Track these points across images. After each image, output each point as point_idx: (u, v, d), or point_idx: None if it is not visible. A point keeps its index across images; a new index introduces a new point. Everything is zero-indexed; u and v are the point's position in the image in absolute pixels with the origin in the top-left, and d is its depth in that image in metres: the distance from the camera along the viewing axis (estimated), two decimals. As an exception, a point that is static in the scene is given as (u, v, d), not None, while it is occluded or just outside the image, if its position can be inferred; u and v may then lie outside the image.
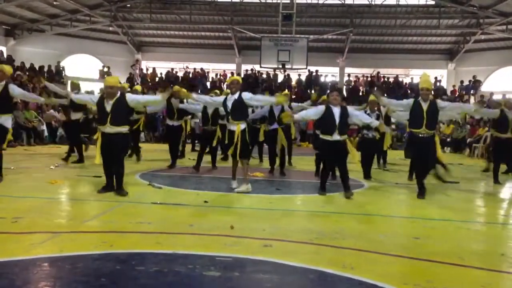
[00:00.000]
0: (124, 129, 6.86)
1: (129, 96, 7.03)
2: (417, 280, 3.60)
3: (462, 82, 24.19)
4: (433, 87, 7.67)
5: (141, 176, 8.64)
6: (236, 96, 7.34)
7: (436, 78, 24.92)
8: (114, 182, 6.96)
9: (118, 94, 6.90)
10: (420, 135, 7.35)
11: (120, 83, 7.61)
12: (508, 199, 8.23)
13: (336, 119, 7.12)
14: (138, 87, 12.56)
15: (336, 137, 7.16)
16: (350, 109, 7.50)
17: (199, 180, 8.75)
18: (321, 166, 8.20)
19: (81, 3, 21.43)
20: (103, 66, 25.29)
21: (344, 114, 7.17)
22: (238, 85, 7.46)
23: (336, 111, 7.15)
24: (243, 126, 7.34)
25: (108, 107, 6.74)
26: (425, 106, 7.29)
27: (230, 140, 7.41)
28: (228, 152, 7.81)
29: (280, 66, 21.85)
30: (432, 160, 7.66)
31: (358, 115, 7.50)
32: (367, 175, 9.53)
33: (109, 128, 6.73)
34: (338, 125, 7.12)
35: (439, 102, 7.53)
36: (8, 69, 7.76)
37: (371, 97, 9.45)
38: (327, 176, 7.71)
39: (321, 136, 7.46)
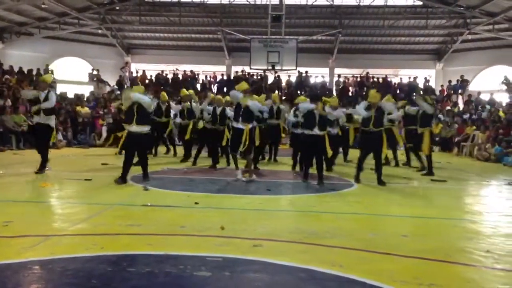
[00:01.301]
0: (146, 128, 8.21)
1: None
2: (405, 277, 3.67)
3: (450, 81, 24.39)
4: (378, 100, 9.07)
5: (132, 178, 8.64)
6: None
7: (425, 78, 25.13)
8: (127, 175, 8.21)
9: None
10: (370, 131, 8.82)
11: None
12: (494, 197, 8.35)
13: (316, 117, 8.58)
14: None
15: (316, 131, 8.56)
16: (329, 109, 9.07)
17: (190, 182, 8.79)
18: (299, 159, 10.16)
19: (69, 6, 21.34)
20: (92, 69, 25.17)
21: (323, 114, 8.68)
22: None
23: (317, 111, 8.61)
24: (249, 126, 8.88)
25: (135, 109, 8.04)
26: (374, 107, 8.84)
27: (239, 138, 8.79)
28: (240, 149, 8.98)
29: (270, 67, 21.91)
30: (380, 152, 8.99)
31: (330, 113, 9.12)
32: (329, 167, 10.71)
33: (135, 127, 8.02)
34: (318, 122, 8.55)
35: (383, 104, 9.00)
36: (48, 78, 9.81)
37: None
38: (308, 165, 8.95)
39: (305, 131, 8.83)
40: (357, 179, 9.04)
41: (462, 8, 21.66)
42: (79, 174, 9.12)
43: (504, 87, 21.50)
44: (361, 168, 9.15)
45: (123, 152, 8.60)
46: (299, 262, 3.96)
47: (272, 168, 11.20)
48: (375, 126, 8.78)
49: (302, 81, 24.82)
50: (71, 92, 22.05)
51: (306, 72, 24.85)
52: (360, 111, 8.99)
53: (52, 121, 9.26)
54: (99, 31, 24.71)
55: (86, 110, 19.05)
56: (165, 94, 13.44)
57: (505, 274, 3.94)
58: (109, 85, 25.14)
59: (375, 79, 25.43)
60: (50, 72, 23.07)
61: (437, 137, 18.88)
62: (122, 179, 8.08)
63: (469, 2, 20.97)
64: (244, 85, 9.11)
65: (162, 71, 26.36)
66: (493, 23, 21.57)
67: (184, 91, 12.80)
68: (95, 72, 24.92)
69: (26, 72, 21.80)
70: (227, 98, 11.10)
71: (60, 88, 22.74)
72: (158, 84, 23.73)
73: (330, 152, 8.88)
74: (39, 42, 23.62)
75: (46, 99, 9.07)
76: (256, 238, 4.65)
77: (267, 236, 4.75)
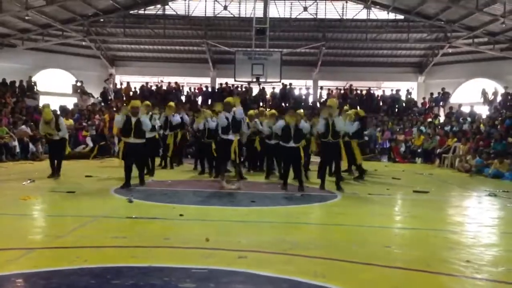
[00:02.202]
0: (142, 140, 9.08)
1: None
2: (386, 287, 3.73)
3: (432, 94, 24.77)
4: (335, 105, 9.77)
5: (115, 191, 8.62)
6: (231, 114, 9.58)
7: (407, 90, 25.49)
8: (130, 180, 9.01)
9: (139, 114, 9.04)
10: (329, 141, 9.37)
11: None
12: (475, 208, 8.49)
13: (292, 130, 9.32)
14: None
15: (292, 144, 9.32)
16: (302, 123, 9.61)
17: (174, 194, 8.79)
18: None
19: (53, 17, 21.25)
20: (76, 81, 25.01)
21: (298, 127, 9.38)
22: (230, 106, 9.65)
23: (293, 124, 9.33)
24: (238, 137, 9.66)
25: (133, 123, 8.86)
26: (330, 121, 9.32)
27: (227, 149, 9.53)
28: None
29: (255, 80, 22.03)
30: (338, 161, 9.76)
31: (304, 127, 9.63)
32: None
33: (132, 139, 8.87)
34: (293, 135, 9.29)
35: (336, 120, 9.42)
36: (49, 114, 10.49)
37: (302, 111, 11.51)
38: (286, 175, 9.65)
39: (281, 143, 9.58)
40: (322, 187, 9.58)
41: (442, 22, 22.11)
42: (62, 186, 9.05)
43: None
44: (325, 177, 9.74)
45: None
46: (283, 273, 3.99)
47: (256, 180, 11.23)
48: (333, 137, 9.38)
49: (286, 93, 24.98)
50: (54, 104, 21.79)
51: (290, 84, 25.03)
52: (319, 127, 9.54)
53: (66, 135, 10.82)
54: (83, 43, 24.59)
55: (70, 122, 18.88)
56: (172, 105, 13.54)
57: (485, 284, 4.02)
58: (93, 97, 25.00)
59: (359, 92, 25.72)
60: (33, 84, 22.95)
61: (419, 148, 19.20)
62: (126, 186, 8.92)
63: (449, 17, 21.42)
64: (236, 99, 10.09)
65: (147, 83, 26.33)
66: (473, 37, 22.05)
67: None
68: (78, 84, 24.75)
69: (9, 83, 21.60)
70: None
71: (42, 100, 22.52)
72: (142, 96, 23.68)
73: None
74: (22, 53, 23.41)
75: (58, 128, 10.46)
76: (241, 250, 4.68)
77: (252, 248, 4.79)
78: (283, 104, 23.90)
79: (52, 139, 10.62)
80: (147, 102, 11.46)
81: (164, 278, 3.80)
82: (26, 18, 20.16)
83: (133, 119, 8.93)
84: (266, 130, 11.26)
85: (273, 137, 10.95)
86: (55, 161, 10.62)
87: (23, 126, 16.69)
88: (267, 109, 14.15)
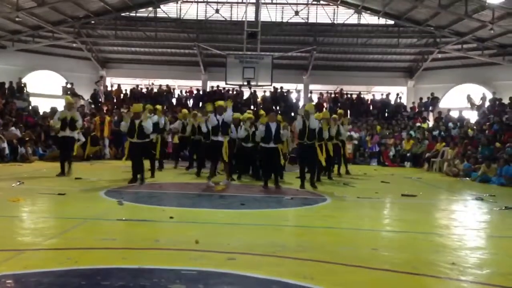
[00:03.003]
0: (146, 140, 10.13)
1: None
2: (372, 288, 3.80)
3: (421, 99, 24.97)
4: (313, 110, 10.39)
5: (106, 193, 8.62)
6: (223, 116, 9.88)
7: (397, 94, 25.69)
8: (144, 175, 10.15)
9: (142, 117, 9.99)
10: (305, 143, 9.96)
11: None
12: (461, 211, 8.60)
13: (272, 132, 9.92)
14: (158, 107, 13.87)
15: (272, 144, 9.98)
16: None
17: (164, 196, 8.82)
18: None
19: (44, 19, 21.18)
20: (67, 83, 24.87)
21: (278, 128, 10.00)
22: (222, 109, 9.97)
23: (273, 126, 9.97)
24: (227, 139, 10.09)
25: (136, 125, 9.83)
26: (307, 123, 9.86)
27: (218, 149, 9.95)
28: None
29: (246, 83, 22.07)
30: (313, 161, 10.24)
31: (283, 133, 10.28)
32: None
33: (136, 140, 9.90)
34: (273, 136, 9.90)
35: (311, 120, 9.93)
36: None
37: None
38: (268, 175, 10.37)
39: (261, 144, 10.24)
40: (302, 187, 10.09)
41: (432, 28, 22.33)
42: (52, 188, 9.02)
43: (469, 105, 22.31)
44: (304, 177, 10.20)
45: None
46: (272, 274, 4.04)
47: (246, 183, 11.29)
48: (309, 139, 9.94)
49: (278, 96, 25.06)
50: (44, 105, 21.69)
51: (281, 87, 25.12)
52: (297, 127, 10.22)
53: (75, 134, 11.51)
54: (74, 45, 24.54)
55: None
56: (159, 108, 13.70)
57: (469, 286, 4.09)
58: (83, 98, 24.89)
59: (349, 96, 25.85)
60: (23, 85, 22.83)
61: (408, 152, 19.37)
62: (134, 180, 9.91)
63: (439, 22, 21.65)
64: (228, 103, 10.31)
65: (138, 86, 26.28)
66: (462, 43, 22.32)
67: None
68: (69, 86, 24.63)
69: (-2, 84, 21.46)
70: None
71: (33, 102, 22.42)
72: (133, 99, 23.64)
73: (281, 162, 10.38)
74: (12, 55, 23.29)
75: (75, 118, 11.28)
76: (230, 252, 4.72)
77: (241, 250, 4.83)
78: (273, 107, 23.96)
79: (64, 135, 11.22)
80: (150, 106, 12.10)
81: (153, 280, 3.83)
82: (17, 19, 20.08)
83: (136, 122, 9.88)
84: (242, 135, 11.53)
85: (250, 140, 11.35)
86: (65, 161, 11.25)
87: (13, 128, 16.59)
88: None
